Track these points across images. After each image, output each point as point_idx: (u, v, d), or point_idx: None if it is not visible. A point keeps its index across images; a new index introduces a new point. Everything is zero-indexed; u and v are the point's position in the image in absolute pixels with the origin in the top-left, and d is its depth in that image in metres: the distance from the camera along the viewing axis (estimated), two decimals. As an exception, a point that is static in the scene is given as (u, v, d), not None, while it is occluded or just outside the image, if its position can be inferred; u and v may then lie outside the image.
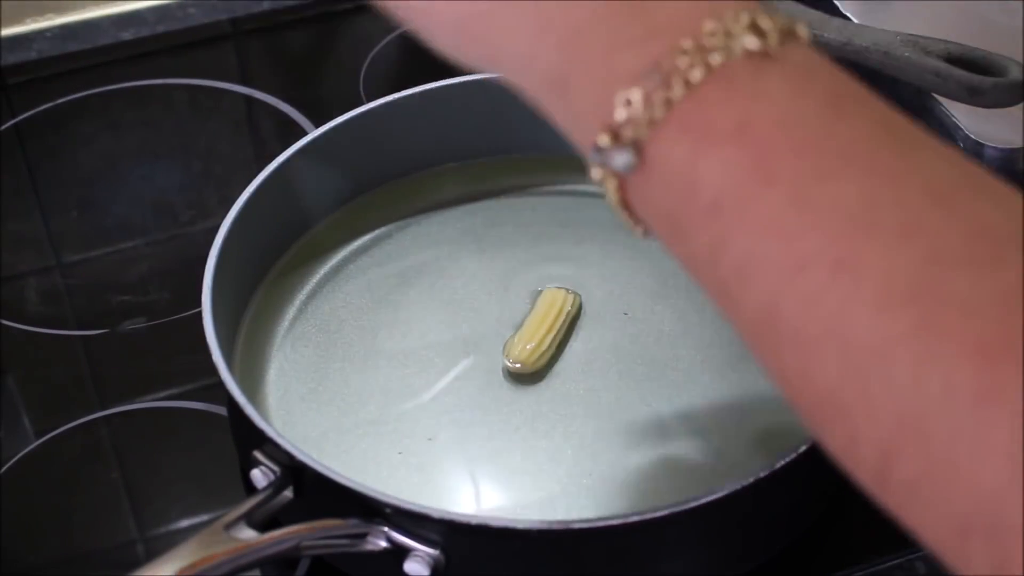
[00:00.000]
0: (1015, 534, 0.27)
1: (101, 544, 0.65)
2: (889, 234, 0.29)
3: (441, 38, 0.37)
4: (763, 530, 0.61)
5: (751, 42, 0.31)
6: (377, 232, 0.75)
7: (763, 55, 0.32)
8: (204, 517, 0.65)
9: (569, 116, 0.34)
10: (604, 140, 0.31)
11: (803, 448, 0.56)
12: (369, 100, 0.75)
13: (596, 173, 0.33)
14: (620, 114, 0.31)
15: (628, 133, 0.31)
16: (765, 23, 0.32)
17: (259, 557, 0.54)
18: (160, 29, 0.96)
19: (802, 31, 0.33)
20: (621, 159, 0.31)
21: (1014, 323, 0.28)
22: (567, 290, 0.69)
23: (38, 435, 0.69)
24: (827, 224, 0.30)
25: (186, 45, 0.95)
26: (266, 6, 0.96)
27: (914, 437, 0.29)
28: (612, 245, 0.73)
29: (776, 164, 0.30)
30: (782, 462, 0.56)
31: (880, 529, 0.63)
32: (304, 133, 0.73)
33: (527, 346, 0.66)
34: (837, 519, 0.63)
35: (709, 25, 0.31)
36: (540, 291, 0.70)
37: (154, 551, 0.60)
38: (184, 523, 0.65)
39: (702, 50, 0.31)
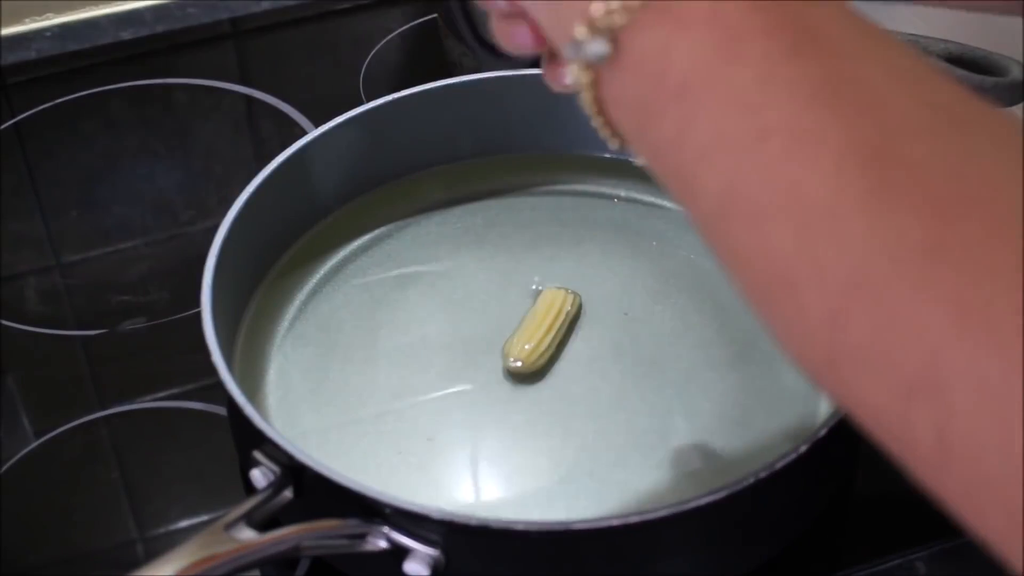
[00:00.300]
0: (957, 390, 0.28)
1: (101, 544, 0.65)
2: (850, 108, 0.30)
3: None
4: (763, 530, 0.61)
5: None
6: (377, 232, 0.75)
7: None
8: (204, 517, 0.65)
9: (554, 17, 0.35)
10: (582, 32, 0.33)
11: (803, 448, 0.56)
12: (369, 100, 0.75)
13: (573, 70, 0.34)
14: (597, 8, 0.32)
15: (604, 24, 0.32)
16: None
17: (259, 557, 0.54)
18: (160, 29, 0.96)
19: None
20: (596, 48, 0.32)
21: (967, 184, 0.29)
22: (567, 290, 0.69)
23: (38, 435, 0.69)
24: (790, 99, 0.31)
25: (186, 45, 0.95)
26: (266, 6, 0.96)
27: (863, 297, 0.29)
28: (612, 245, 0.73)
29: (744, 44, 0.31)
30: (782, 462, 0.56)
31: (880, 529, 0.63)
32: (304, 133, 0.73)
33: (526, 346, 0.66)
34: (837, 519, 0.63)
35: None
36: (540, 291, 0.70)
37: (154, 551, 0.60)
38: (184, 523, 0.65)
39: None
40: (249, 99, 0.89)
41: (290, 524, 0.55)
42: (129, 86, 0.92)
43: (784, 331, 0.32)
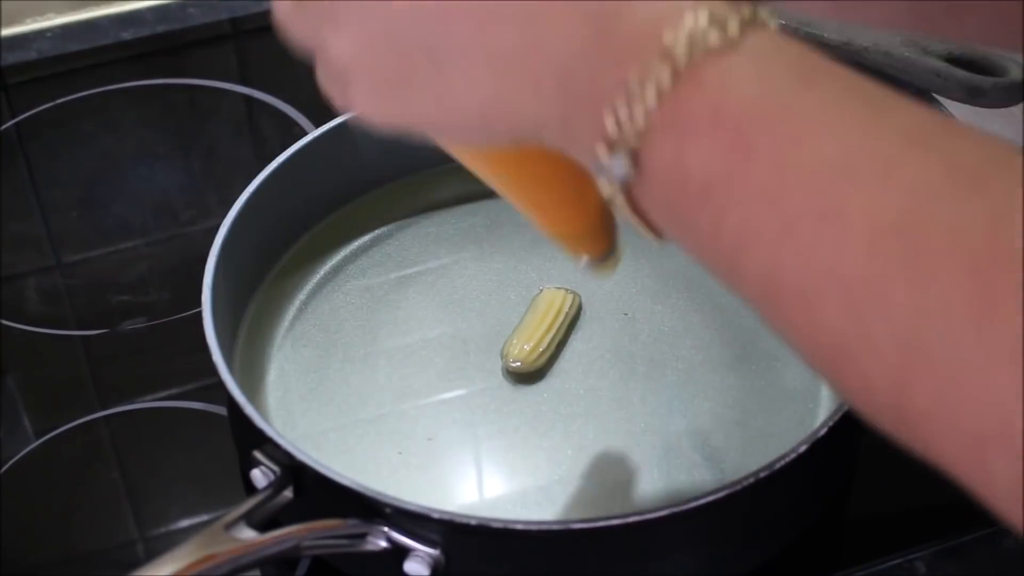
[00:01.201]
0: None
1: (101, 544, 0.65)
2: (869, 179, 0.31)
3: (467, 134, 0.42)
4: (763, 530, 0.61)
5: (713, 37, 0.34)
6: (377, 232, 0.75)
7: (727, 46, 0.34)
8: (204, 517, 0.65)
9: (578, 147, 0.37)
10: (603, 154, 0.34)
11: (803, 448, 0.56)
12: (369, 100, 0.74)
13: (604, 188, 0.35)
14: (611, 129, 0.34)
15: (621, 145, 0.34)
16: (722, 13, 0.34)
17: (259, 557, 0.54)
18: (160, 29, 0.96)
19: (763, 16, 0.35)
20: (619, 169, 0.34)
21: (1003, 239, 0.29)
22: (566, 290, 0.69)
23: (38, 435, 0.69)
24: (808, 182, 0.32)
25: (186, 45, 0.95)
26: (266, 6, 0.96)
27: (921, 364, 0.30)
28: (612, 245, 0.73)
29: (753, 139, 0.32)
30: (782, 462, 0.56)
31: (880, 529, 0.63)
32: (304, 133, 0.73)
33: (526, 346, 0.66)
34: (837, 519, 0.63)
35: (668, 35, 0.34)
36: (540, 291, 0.70)
37: (154, 551, 0.60)
38: (184, 523, 0.65)
39: (667, 56, 0.34)
40: (249, 99, 0.89)
41: (290, 524, 0.55)
42: (129, 86, 0.92)
43: (853, 396, 0.33)
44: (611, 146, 0.34)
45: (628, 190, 0.35)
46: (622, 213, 0.36)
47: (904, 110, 0.33)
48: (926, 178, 0.31)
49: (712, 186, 0.33)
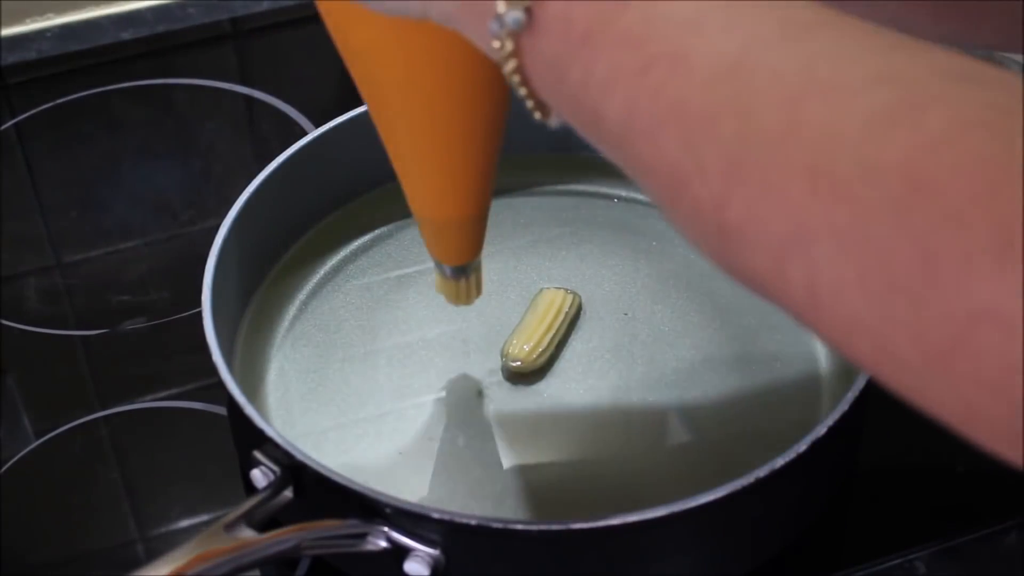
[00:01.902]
0: (816, 243, 0.33)
1: (101, 544, 0.65)
2: (714, 30, 0.36)
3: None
4: (763, 530, 0.61)
5: None
6: (377, 232, 0.75)
7: None
8: (204, 517, 0.65)
9: (476, 14, 0.40)
10: (502, 7, 0.39)
11: (803, 448, 0.56)
12: (369, 100, 0.74)
13: (495, 44, 0.39)
14: None
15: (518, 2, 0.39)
16: None
17: (259, 557, 0.54)
18: (160, 29, 0.96)
19: None
20: (514, 15, 0.38)
21: (816, 78, 0.34)
22: (566, 290, 0.69)
23: (38, 435, 0.69)
24: (666, 30, 0.37)
25: (186, 45, 0.95)
26: (266, 6, 0.96)
27: (738, 184, 0.35)
28: (612, 245, 0.73)
29: None
30: (782, 462, 0.56)
31: (880, 529, 0.63)
32: (304, 133, 0.73)
33: (526, 346, 0.66)
34: (837, 519, 0.63)
35: None
36: (540, 291, 0.70)
37: (154, 551, 0.60)
38: (184, 523, 0.65)
39: None
40: (249, 99, 0.89)
41: (290, 524, 0.55)
42: (129, 86, 0.92)
43: (683, 221, 0.37)
44: (509, 2, 0.39)
45: (518, 47, 0.39)
46: (510, 74, 0.40)
47: None
48: (761, 31, 0.36)
49: (590, 33, 0.38)
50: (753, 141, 0.34)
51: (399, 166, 0.57)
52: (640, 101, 0.37)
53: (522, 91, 0.41)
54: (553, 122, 0.41)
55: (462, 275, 0.62)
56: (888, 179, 0.31)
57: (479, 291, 0.63)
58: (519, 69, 0.40)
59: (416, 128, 0.54)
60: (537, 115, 0.41)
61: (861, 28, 0.36)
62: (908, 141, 0.31)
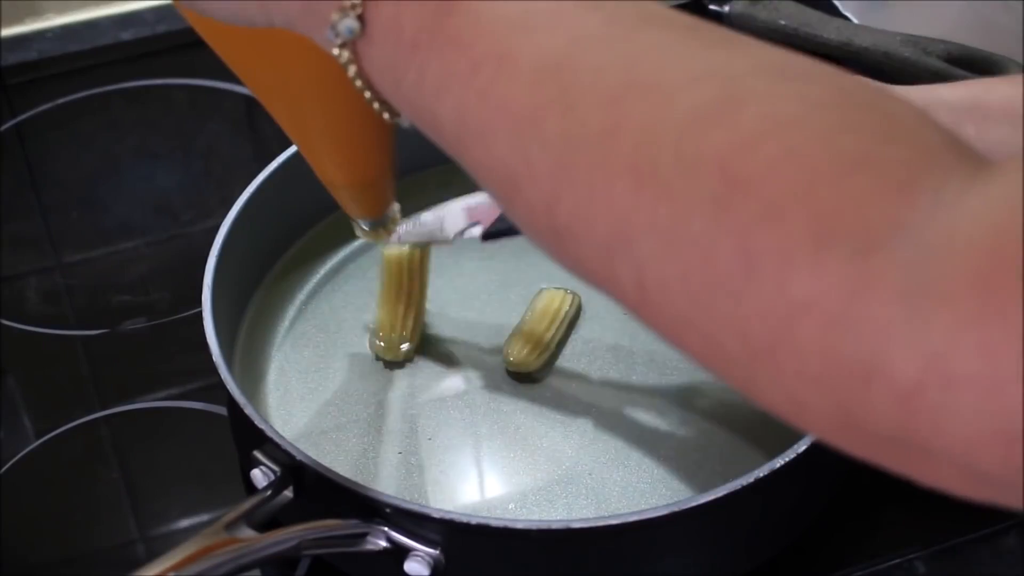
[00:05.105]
0: (641, 241, 0.33)
1: (101, 544, 0.65)
2: (540, 29, 0.36)
3: (219, 11, 0.46)
4: (763, 530, 0.61)
5: None
6: (377, 232, 0.75)
7: None
8: (204, 517, 0.65)
9: (314, 18, 0.41)
10: (335, 16, 0.39)
11: (803, 448, 0.56)
12: (369, 100, 0.74)
13: (335, 51, 0.40)
14: None
15: (351, 10, 0.39)
16: None
17: (259, 557, 0.54)
18: (160, 29, 0.96)
19: None
20: (348, 24, 0.39)
21: (636, 77, 0.34)
22: (566, 290, 0.69)
23: (38, 435, 0.69)
24: (493, 31, 0.37)
25: (186, 45, 0.95)
26: (266, 6, 0.96)
27: (565, 185, 0.35)
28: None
29: (450, 3, 0.38)
30: (782, 462, 0.56)
31: (880, 529, 0.63)
32: (304, 133, 0.73)
33: (525, 346, 0.66)
34: (837, 519, 0.63)
35: None
36: (540, 291, 0.70)
37: (154, 551, 0.60)
38: (184, 523, 0.66)
39: None
40: (249, 99, 0.89)
41: (290, 524, 0.55)
42: (129, 86, 0.92)
43: (521, 221, 0.37)
44: (342, 10, 0.39)
45: (356, 53, 0.40)
46: (353, 78, 0.41)
47: None
48: (586, 30, 0.36)
49: (419, 38, 0.38)
50: (577, 141, 0.34)
51: (299, 147, 0.59)
52: (470, 103, 0.37)
53: (367, 94, 0.41)
54: (403, 123, 0.42)
55: (380, 226, 0.62)
56: (706, 176, 0.32)
57: (395, 225, 0.63)
58: (360, 74, 0.40)
59: (297, 117, 0.56)
60: (386, 116, 0.42)
61: (685, 25, 0.36)
62: (725, 138, 0.32)
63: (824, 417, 0.32)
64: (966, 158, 0.31)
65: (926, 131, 0.32)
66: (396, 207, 0.62)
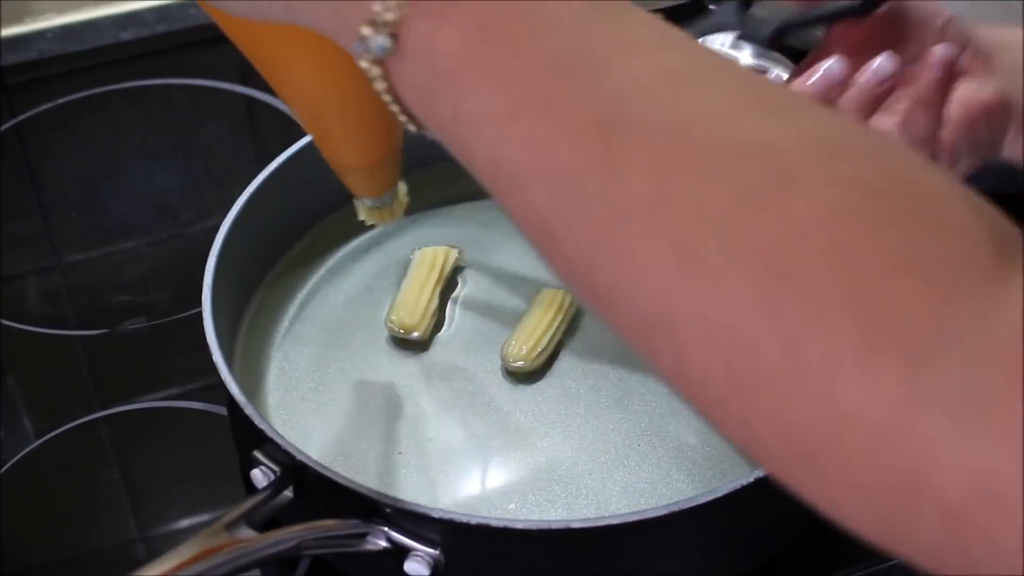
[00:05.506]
0: (683, 328, 0.32)
1: (101, 544, 0.65)
2: (586, 77, 0.34)
3: (239, 8, 0.43)
4: (763, 530, 0.61)
5: None
6: (377, 232, 0.75)
7: None
8: (204, 517, 0.65)
9: (337, 19, 0.39)
10: (367, 31, 0.37)
11: (803, 448, 0.56)
12: (369, 100, 0.74)
13: (364, 64, 0.38)
14: (377, 7, 0.37)
15: (382, 20, 0.37)
16: None
17: (259, 557, 0.54)
18: (160, 29, 0.96)
19: None
20: (380, 42, 0.37)
21: (685, 144, 0.33)
22: (565, 290, 0.69)
23: (38, 435, 0.69)
24: (536, 73, 0.35)
25: (186, 45, 0.95)
26: (266, 6, 0.96)
27: (606, 250, 0.33)
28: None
29: (496, 29, 0.35)
30: (782, 462, 0.55)
31: (880, 529, 0.63)
32: (304, 133, 0.73)
33: (525, 346, 0.66)
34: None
35: None
36: (539, 290, 0.70)
37: (154, 551, 0.60)
38: (184, 523, 0.66)
39: None
40: (249, 99, 0.90)
41: (290, 524, 0.55)
42: (129, 86, 0.92)
43: (559, 275, 0.36)
44: (375, 21, 0.37)
45: (386, 69, 0.38)
46: (381, 93, 0.39)
47: (632, 18, 0.36)
48: (633, 81, 0.34)
49: (456, 68, 0.36)
50: (620, 207, 0.33)
51: (313, 132, 0.59)
52: (509, 148, 0.35)
53: (394, 108, 0.39)
54: (429, 135, 0.40)
55: (386, 204, 0.62)
56: (754, 266, 0.31)
57: (402, 209, 0.63)
58: (389, 90, 0.38)
59: (314, 105, 0.56)
60: (412, 128, 0.40)
61: (737, 79, 0.35)
62: (773, 225, 0.31)
63: (866, 523, 0.31)
64: (1006, 254, 0.30)
65: (972, 219, 0.31)
66: (403, 188, 0.62)
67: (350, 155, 0.58)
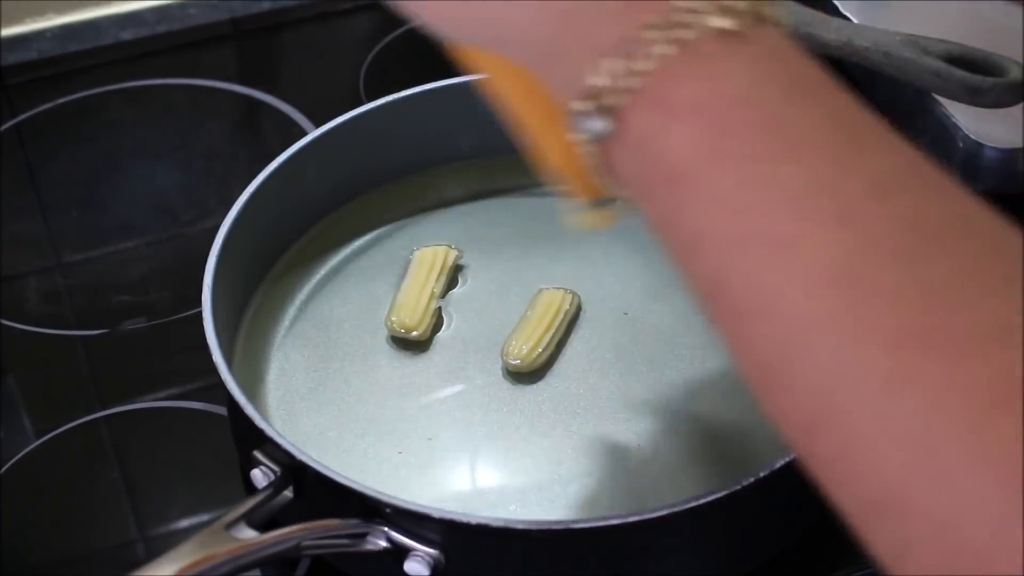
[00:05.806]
0: (913, 520, 0.29)
1: (101, 544, 0.65)
2: (827, 219, 0.31)
3: (445, 23, 0.39)
4: (763, 530, 0.61)
5: (719, 21, 0.33)
6: (377, 232, 0.75)
7: (733, 34, 0.33)
8: (204, 517, 0.65)
9: (559, 84, 0.36)
10: (581, 106, 0.33)
11: (803, 448, 0.56)
12: (369, 100, 0.75)
13: (578, 139, 0.35)
14: (596, 82, 0.33)
15: (605, 101, 0.33)
16: (736, 3, 0.33)
17: (259, 557, 0.54)
18: (160, 29, 0.96)
19: (774, 13, 0.34)
20: (598, 125, 0.33)
21: (931, 315, 0.30)
22: (566, 290, 0.69)
23: (38, 435, 0.69)
24: (770, 204, 0.31)
25: (186, 45, 0.95)
26: (266, 6, 0.96)
27: (828, 418, 0.31)
28: (612, 245, 0.73)
29: (730, 143, 0.32)
30: (782, 461, 0.56)
31: (880, 529, 0.63)
32: (304, 133, 0.73)
33: (525, 346, 0.66)
34: (838, 519, 0.63)
35: (679, 2, 0.33)
36: (540, 291, 0.70)
37: (154, 551, 0.60)
38: (184, 523, 0.65)
39: (671, 25, 0.33)
40: (249, 99, 0.89)
41: (290, 524, 0.55)
42: (129, 86, 0.92)
43: (771, 417, 0.34)
44: (593, 97, 0.33)
45: (600, 149, 0.35)
46: (591, 163, 0.36)
47: (883, 151, 0.32)
48: (880, 234, 0.31)
49: (680, 176, 0.33)
50: (851, 378, 0.30)
51: (533, 137, 0.57)
52: (732, 278, 0.32)
53: (606, 178, 0.36)
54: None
55: (605, 206, 0.60)
56: (995, 474, 0.28)
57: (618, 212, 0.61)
58: (602, 168, 0.35)
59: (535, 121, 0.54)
60: (619, 194, 0.37)
61: (983, 235, 0.31)
62: (1012, 432, 0.28)
63: None
64: None
65: None
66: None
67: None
